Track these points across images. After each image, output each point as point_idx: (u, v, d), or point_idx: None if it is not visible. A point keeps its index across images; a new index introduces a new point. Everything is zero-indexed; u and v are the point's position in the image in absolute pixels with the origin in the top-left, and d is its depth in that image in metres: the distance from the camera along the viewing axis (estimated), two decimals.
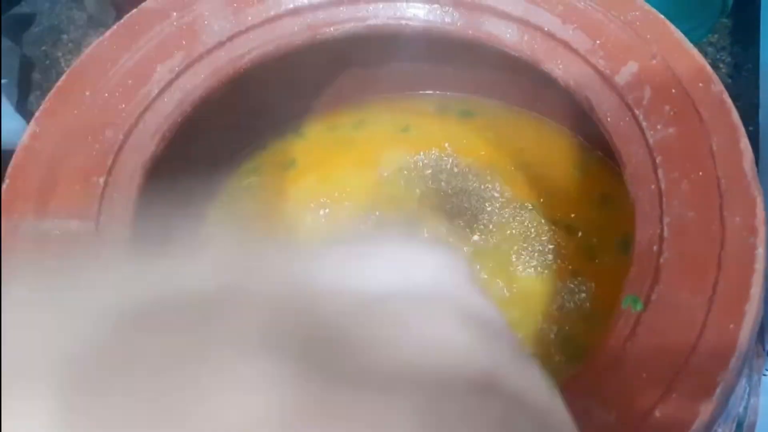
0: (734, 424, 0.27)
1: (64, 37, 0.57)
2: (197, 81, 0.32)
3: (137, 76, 0.31)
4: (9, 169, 0.27)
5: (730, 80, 0.48)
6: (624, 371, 0.23)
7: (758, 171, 0.26)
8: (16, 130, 0.47)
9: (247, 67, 0.33)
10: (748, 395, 0.27)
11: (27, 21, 0.58)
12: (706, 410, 0.21)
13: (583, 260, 0.34)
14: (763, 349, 0.31)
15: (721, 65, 0.51)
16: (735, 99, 0.28)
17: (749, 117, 0.31)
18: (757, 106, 0.39)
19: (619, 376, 0.23)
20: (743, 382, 0.26)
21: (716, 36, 0.52)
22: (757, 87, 0.41)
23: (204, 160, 0.35)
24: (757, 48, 0.43)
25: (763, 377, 0.29)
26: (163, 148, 0.30)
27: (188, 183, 0.36)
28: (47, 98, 0.29)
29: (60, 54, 0.56)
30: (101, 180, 0.28)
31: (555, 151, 0.38)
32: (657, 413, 0.22)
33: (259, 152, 0.40)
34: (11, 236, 0.26)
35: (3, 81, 0.49)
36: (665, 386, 0.22)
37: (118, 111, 0.30)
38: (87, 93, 0.30)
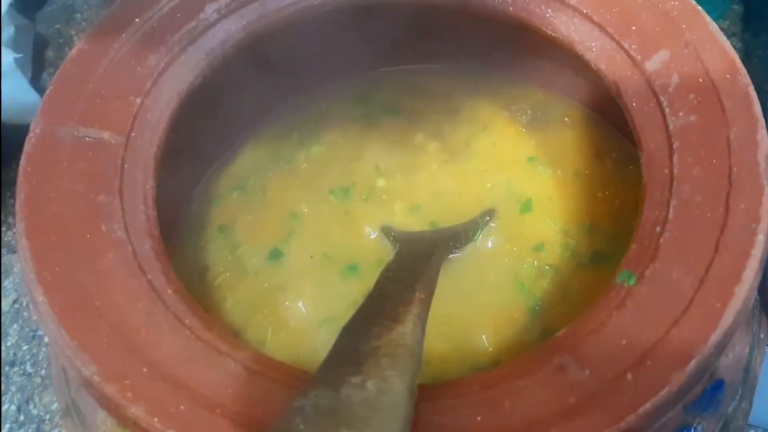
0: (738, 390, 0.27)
1: (78, 15, 0.57)
2: (241, 24, 0.33)
3: (186, 11, 0.32)
4: (54, 78, 0.29)
5: None
6: (605, 335, 0.23)
7: None
8: (31, 104, 0.47)
9: (292, 18, 0.34)
10: (750, 356, 0.27)
11: None
12: (676, 380, 0.21)
13: None
14: None
15: None
16: None
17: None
18: (766, 93, 0.38)
19: (599, 339, 0.23)
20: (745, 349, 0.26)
21: (727, 22, 0.51)
22: (766, 73, 0.40)
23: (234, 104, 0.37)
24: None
25: None
26: (200, 82, 0.32)
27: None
28: (100, 19, 0.31)
29: (73, 32, 0.56)
30: (138, 100, 0.30)
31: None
32: (629, 376, 0.22)
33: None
34: (50, 137, 0.28)
35: (17, 56, 0.49)
36: (642, 353, 0.22)
37: (163, 40, 0.31)
38: (136, 20, 0.31)
